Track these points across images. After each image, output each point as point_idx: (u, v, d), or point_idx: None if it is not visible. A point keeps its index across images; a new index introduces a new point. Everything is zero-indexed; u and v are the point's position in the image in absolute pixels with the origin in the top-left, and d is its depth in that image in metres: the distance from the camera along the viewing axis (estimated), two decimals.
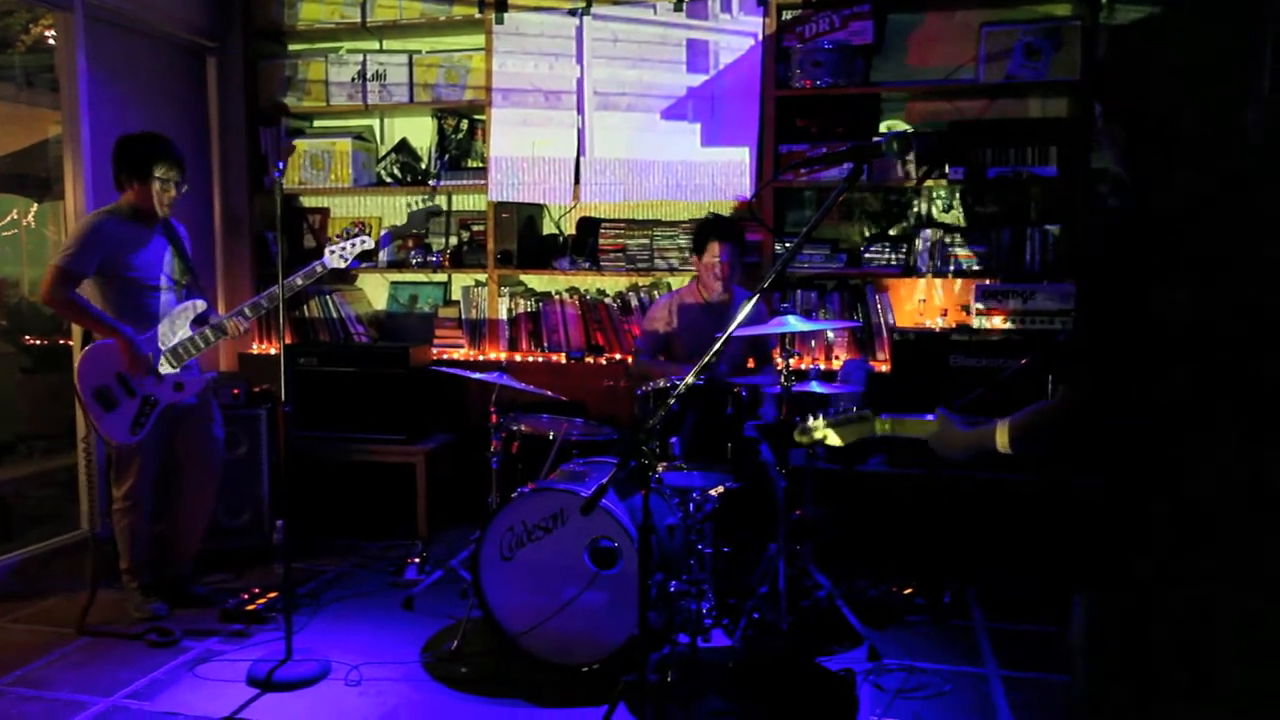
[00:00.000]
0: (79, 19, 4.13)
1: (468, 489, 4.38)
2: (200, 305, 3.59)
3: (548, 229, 4.93)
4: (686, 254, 4.52)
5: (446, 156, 4.87)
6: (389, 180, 4.94)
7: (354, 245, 3.68)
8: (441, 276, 5.05)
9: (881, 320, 4.36)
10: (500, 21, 4.61)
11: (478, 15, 4.64)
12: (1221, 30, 1.44)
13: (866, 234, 4.52)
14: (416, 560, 4.02)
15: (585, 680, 3.02)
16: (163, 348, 3.48)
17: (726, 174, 4.41)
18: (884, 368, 4.23)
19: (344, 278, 5.09)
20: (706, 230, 3.88)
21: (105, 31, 4.32)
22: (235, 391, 4.22)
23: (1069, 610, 1.59)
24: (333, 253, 3.66)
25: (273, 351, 5.02)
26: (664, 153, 4.48)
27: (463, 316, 4.84)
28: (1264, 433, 1.35)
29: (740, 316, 1.99)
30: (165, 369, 3.48)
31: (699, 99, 4.44)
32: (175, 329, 3.51)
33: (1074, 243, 4.11)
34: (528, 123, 4.62)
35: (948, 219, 4.47)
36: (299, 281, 3.59)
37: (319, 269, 3.61)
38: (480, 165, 4.81)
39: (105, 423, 3.38)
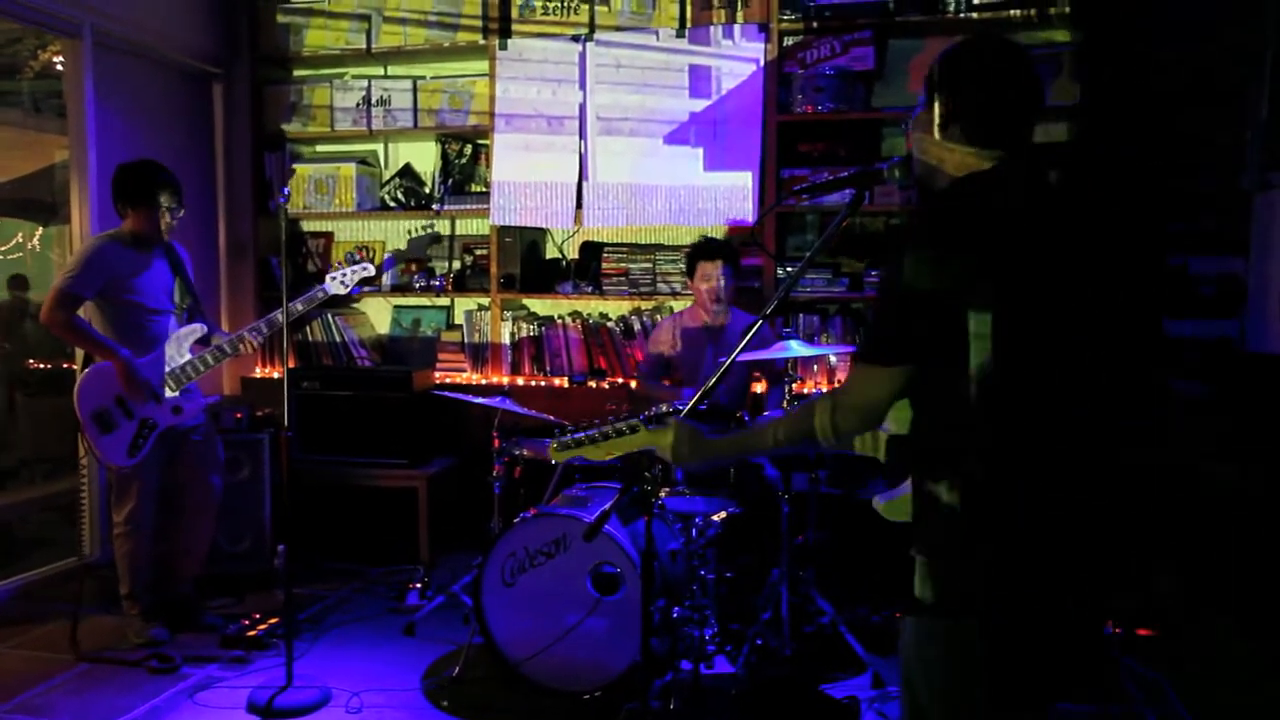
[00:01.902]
0: (87, 46, 4.17)
1: (470, 514, 4.37)
2: (201, 329, 3.61)
3: (550, 253, 4.94)
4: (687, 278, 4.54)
5: (450, 181, 4.90)
6: (392, 204, 4.97)
7: (355, 272, 3.74)
8: (444, 300, 5.06)
9: None
10: (504, 47, 4.65)
11: (481, 41, 4.68)
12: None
13: (868, 258, 4.52)
14: (418, 585, 4.01)
15: (587, 708, 3.00)
16: (165, 370, 3.49)
17: (729, 199, 4.42)
18: None
19: (347, 302, 5.11)
20: (695, 253, 3.92)
21: (113, 58, 4.36)
22: (238, 415, 4.23)
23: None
24: (334, 279, 3.71)
25: (275, 375, 5.02)
26: (666, 177, 4.50)
27: (465, 340, 4.85)
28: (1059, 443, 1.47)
29: (744, 343, 1.99)
30: (165, 392, 3.49)
31: (701, 124, 4.46)
32: (176, 352, 3.53)
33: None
34: (531, 148, 4.65)
35: None
36: (299, 307, 3.62)
37: (320, 295, 3.66)
38: (483, 190, 4.83)
39: (103, 445, 3.39)
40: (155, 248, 3.56)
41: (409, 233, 5.12)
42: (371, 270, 3.79)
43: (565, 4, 4.61)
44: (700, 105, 4.46)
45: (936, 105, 1.62)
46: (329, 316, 4.94)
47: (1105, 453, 1.54)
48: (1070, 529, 1.51)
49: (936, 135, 1.62)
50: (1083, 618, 1.55)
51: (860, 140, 4.38)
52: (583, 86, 4.59)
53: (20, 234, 6.50)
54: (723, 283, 3.84)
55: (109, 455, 3.40)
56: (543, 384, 4.70)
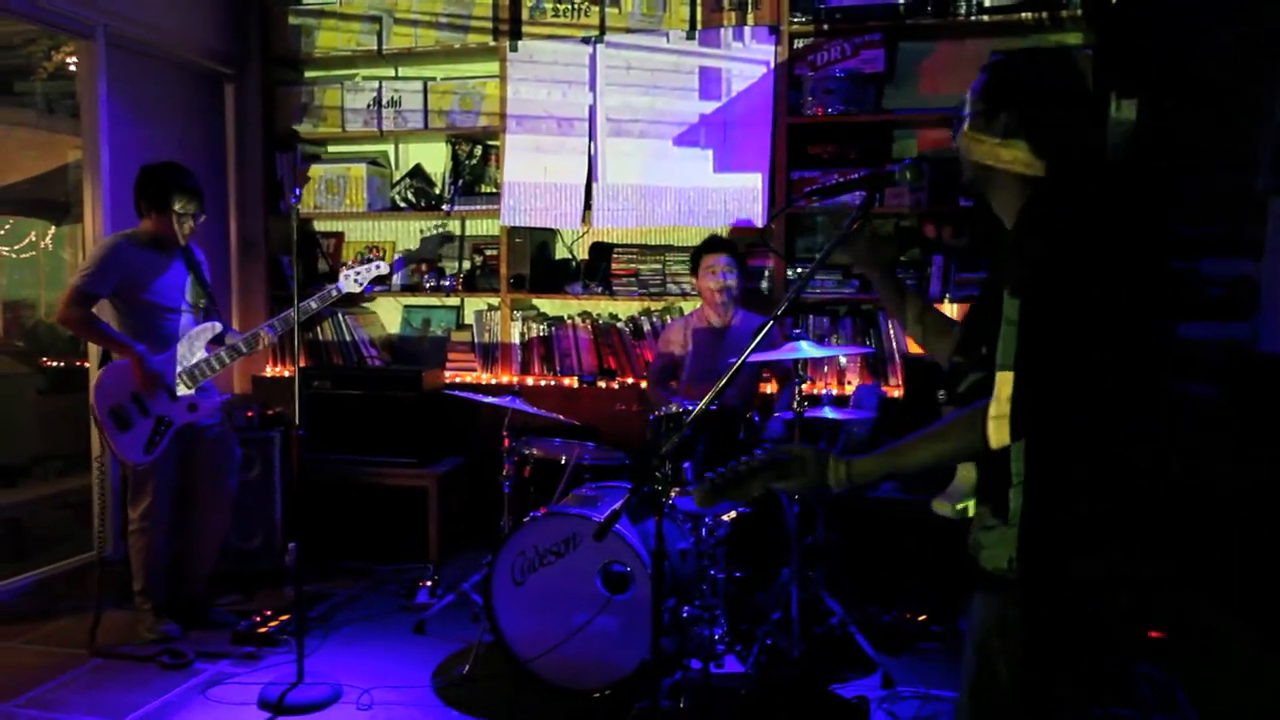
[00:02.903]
0: (101, 47, 4.20)
1: (480, 513, 4.39)
2: (217, 328, 3.63)
3: (560, 254, 4.96)
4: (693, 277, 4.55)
5: (460, 181, 4.91)
6: (403, 205, 4.99)
7: (368, 270, 3.75)
8: (454, 300, 5.08)
9: (894, 345, 4.37)
10: (515, 49, 4.66)
11: (492, 43, 4.70)
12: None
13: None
14: (428, 584, 4.03)
15: (597, 706, 3.01)
16: (179, 368, 3.51)
17: (738, 200, 4.43)
18: (897, 393, 4.23)
19: (358, 301, 5.13)
20: (698, 249, 3.99)
21: (126, 59, 4.39)
22: (249, 414, 4.25)
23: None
24: (347, 277, 3.72)
25: (286, 374, 5.04)
26: (676, 179, 4.51)
27: (475, 340, 4.86)
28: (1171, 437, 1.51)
29: (754, 344, 2.00)
30: (181, 390, 3.51)
31: (711, 126, 4.47)
32: (192, 350, 3.55)
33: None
34: (541, 149, 4.67)
35: (960, 245, 4.48)
36: (313, 305, 3.64)
37: (334, 293, 3.68)
38: (494, 190, 4.85)
39: (120, 442, 3.41)
40: (173, 249, 3.58)
41: (421, 232, 5.14)
42: (385, 268, 3.80)
43: (575, 6, 4.62)
44: (710, 107, 4.47)
45: (1010, 115, 1.66)
46: (340, 316, 4.96)
47: (1113, 456, 1.56)
48: (1090, 528, 1.53)
49: (1020, 144, 1.65)
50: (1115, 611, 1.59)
51: (871, 142, 4.39)
52: (593, 88, 4.60)
53: (33, 233, 6.54)
54: (727, 277, 3.84)
55: (126, 452, 3.42)
56: (552, 384, 4.71)
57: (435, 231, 5.10)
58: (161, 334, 3.51)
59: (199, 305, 3.66)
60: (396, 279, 5.00)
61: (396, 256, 5.08)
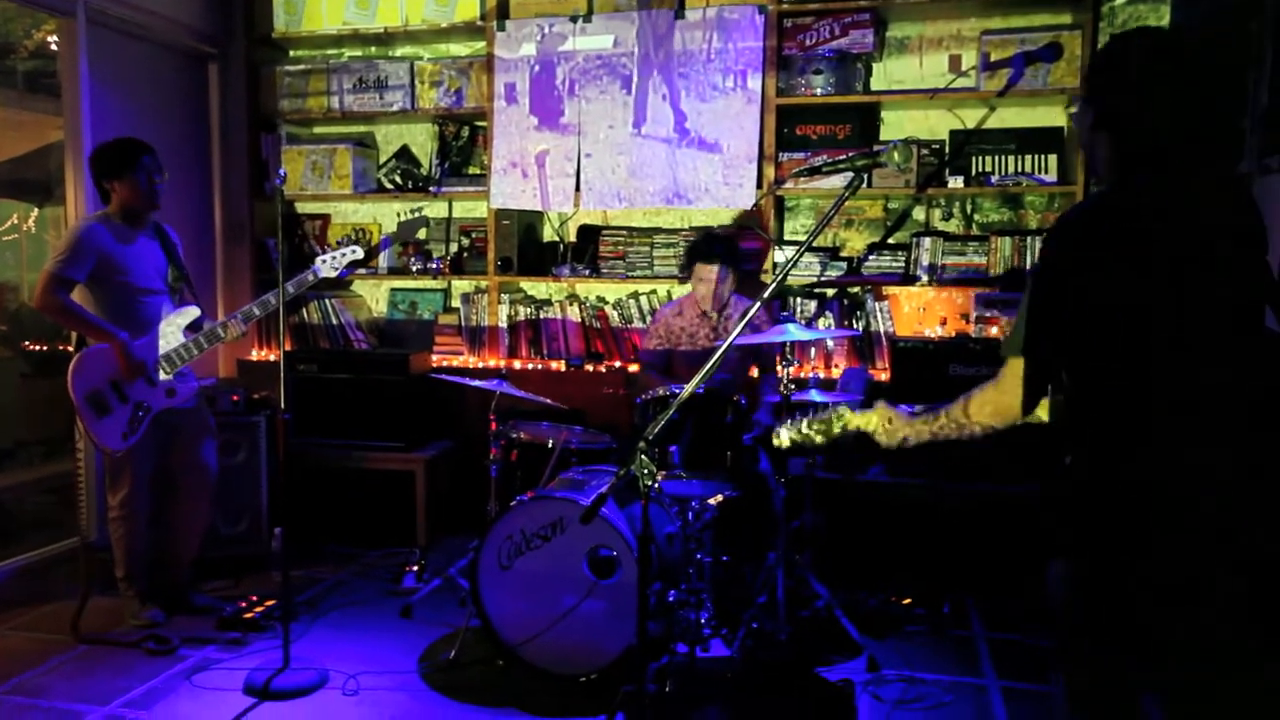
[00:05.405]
0: (81, 25, 4.14)
1: (467, 497, 4.38)
2: (195, 311, 3.59)
3: (548, 236, 4.93)
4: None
5: (447, 163, 4.87)
6: (390, 187, 4.95)
7: (344, 255, 3.73)
8: (441, 283, 5.05)
9: (881, 329, 4.36)
10: (502, 29, 4.61)
11: (480, 23, 4.65)
12: (1215, 51, 1.63)
13: (866, 242, 4.52)
14: (415, 568, 4.01)
15: (583, 690, 3.01)
16: (158, 353, 3.48)
17: (726, 181, 4.40)
18: (883, 376, 4.22)
19: (344, 284, 5.09)
20: (692, 253, 3.88)
21: (108, 37, 4.33)
22: (234, 398, 4.22)
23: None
24: (324, 261, 3.70)
25: (272, 358, 5.01)
26: (663, 160, 4.48)
27: (462, 323, 4.84)
28: (1193, 418, 1.55)
29: (739, 327, 1.99)
30: (159, 375, 3.47)
31: (699, 107, 4.43)
32: (169, 335, 3.51)
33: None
34: (529, 130, 4.62)
35: (947, 227, 4.47)
36: (290, 290, 3.60)
37: (310, 278, 3.66)
38: (481, 172, 4.82)
39: (98, 429, 3.37)
40: (145, 227, 3.53)
41: (399, 215, 5.10)
42: (360, 254, 3.78)
43: None
44: (698, 87, 4.43)
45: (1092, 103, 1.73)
46: (326, 299, 4.93)
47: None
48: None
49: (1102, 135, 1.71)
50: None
51: (859, 122, 4.36)
52: (581, 68, 4.55)
53: (15, 215, 6.47)
54: (720, 287, 3.81)
55: (104, 439, 3.38)
56: (540, 367, 4.70)
57: (412, 215, 5.06)
58: (139, 317, 3.46)
59: (175, 286, 3.62)
60: (382, 260, 4.95)
61: (382, 238, 5.04)
